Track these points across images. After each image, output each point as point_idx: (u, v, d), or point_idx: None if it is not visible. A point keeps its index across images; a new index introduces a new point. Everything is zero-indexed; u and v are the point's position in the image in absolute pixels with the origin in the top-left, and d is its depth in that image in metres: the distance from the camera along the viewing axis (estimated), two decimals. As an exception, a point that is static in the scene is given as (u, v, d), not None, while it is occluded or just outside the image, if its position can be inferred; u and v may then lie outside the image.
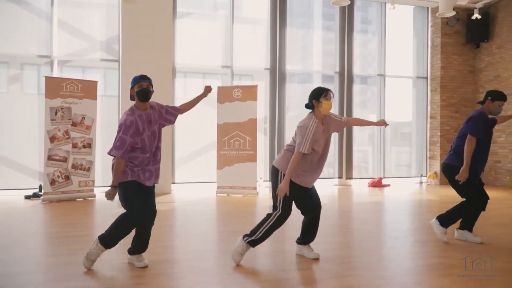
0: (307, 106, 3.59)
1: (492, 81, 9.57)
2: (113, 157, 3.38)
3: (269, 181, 8.80)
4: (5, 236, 4.60)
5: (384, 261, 3.77)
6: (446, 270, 3.43)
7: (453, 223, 4.35)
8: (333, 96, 3.60)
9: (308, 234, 3.73)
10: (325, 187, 9.14)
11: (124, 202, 3.36)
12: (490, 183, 9.53)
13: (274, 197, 3.57)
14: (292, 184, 3.47)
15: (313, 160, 3.54)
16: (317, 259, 3.66)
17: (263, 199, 7.49)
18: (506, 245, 4.27)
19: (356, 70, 9.83)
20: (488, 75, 9.68)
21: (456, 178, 4.14)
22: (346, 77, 9.63)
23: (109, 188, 3.35)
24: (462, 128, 4.27)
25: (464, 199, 4.29)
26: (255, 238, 3.52)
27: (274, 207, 3.55)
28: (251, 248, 3.56)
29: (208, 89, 3.86)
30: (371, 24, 10.47)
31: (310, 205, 3.63)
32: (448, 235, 4.31)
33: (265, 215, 3.59)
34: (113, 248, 3.46)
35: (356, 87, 9.92)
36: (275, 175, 3.59)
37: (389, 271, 3.49)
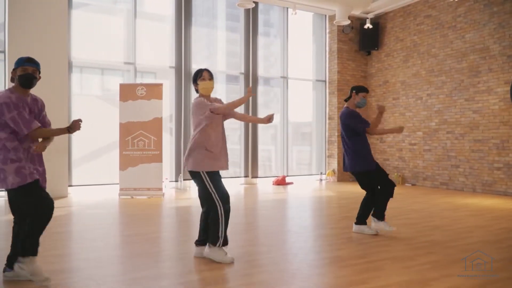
0: (196, 90, 3.73)
1: (381, 86, 10.51)
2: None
3: (176, 181, 8.72)
4: None
5: (289, 256, 3.92)
6: (347, 261, 3.68)
7: (368, 216, 4.72)
8: (211, 75, 3.66)
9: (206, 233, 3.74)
10: (232, 186, 9.25)
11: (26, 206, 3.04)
12: (380, 179, 10.46)
13: (205, 197, 3.62)
14: (211, 174, 3.58)
15: (207, 138, 3.60)
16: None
17: (169, 200, 7.33)
18: (404, 235, 4.70)
19: (260, 71, 10.11)
20: (378, 80, 10.61)
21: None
22: (251, 78, 9.85)
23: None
24: (344, 130, 4.65)
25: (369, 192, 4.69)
26: (222, 240, 3.58)
27: (212, 206, 3.57)
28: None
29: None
30: (274, 28, 10.84)
31: (224, 195, 3.65)
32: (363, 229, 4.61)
33: (212, 219, 3.60)
34: None
35: (260, 88, 10.19)
36: (198, 177, 3.61)
37: (294, 265, 3.64)
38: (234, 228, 5.20)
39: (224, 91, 10.23)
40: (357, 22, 10.64)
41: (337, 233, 4.74)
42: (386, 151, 10.35)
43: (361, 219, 4.72)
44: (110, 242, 4.51)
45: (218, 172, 3.67)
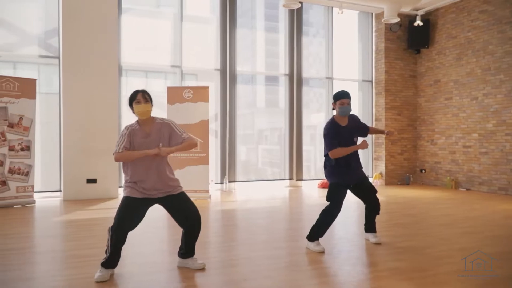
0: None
1: (432, 86, 10.08)
2: None
3: (221, 183, 8.76)
4: None
5: (347, 267, 3.79)
6: (408, 274, 3.50)
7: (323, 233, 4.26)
8: (146, 97, 3.37)
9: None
10: (276, 189, 9.18)
11: None
12: (431, 183, 10.05)
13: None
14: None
15: (136, 165, 3.33)
16: (202, 269, 3.54)
17: (216, 202, 7.36)
18: (457, 247, 4.45)
19: (305, 72, 9.96)
20: (428, 80, 10.19)
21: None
22: (295, 79, 9.73)
23: None
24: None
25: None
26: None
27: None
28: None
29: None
30: (313, 27, 10.65)
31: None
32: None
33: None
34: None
35: (305, 89, 10.04)
36: None
37: (354, 277, 3.51)
38: (281, 234, 5.13)
39: (263, 93, 10.19)
40: (406, 20, 10.26)
41: (390, 242, 4.54)
42: (438, 153, 9.92)
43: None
44: (160, 246, 4.55)
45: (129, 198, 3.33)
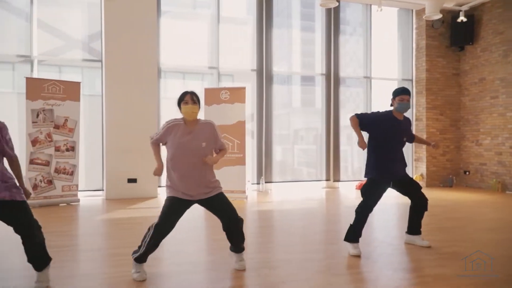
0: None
1: (476, 84, 9.67)
2: None
3: (257, 183, 8.77)
4: (-16, 247, 4.34)
5: (389, 272, 3.69)
6: (453, 281, 3.37)
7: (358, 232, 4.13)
8: (194, 99, 3.42)
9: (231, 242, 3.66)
10: (312, 190, 9.08)
11: None
12: (476, 185, 9.64)
13: None
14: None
15: (178, 163, 3.37)
16: (243, 270, 3.58)
17: (252, 203, 7.37)
18: (501, 253, 4.24)
19: (342, 72, 9.81)
20: (472, 78, 9.78)
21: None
22: (332, 78, 9.60)
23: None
24: None
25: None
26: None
27: None
28: None
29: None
30: (350, 25, 10.46)
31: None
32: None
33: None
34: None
35: (342, 89, 9.89)
36: None
37: (396, 281, 3.41)
38: (318, 236, 5.06)
39: (299, 92, 10.11)
40: (448, 16, 9.89)
41: (434, 246, 4.37)
42: (483, 154, 9.50)
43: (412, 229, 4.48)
44: (200, 246, 4.60)
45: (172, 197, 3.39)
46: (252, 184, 8.89)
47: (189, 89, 3.53)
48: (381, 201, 4.25)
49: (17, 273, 3.53)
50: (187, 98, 3.43)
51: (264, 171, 8.98)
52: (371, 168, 4.17)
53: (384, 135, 4.10)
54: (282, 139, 9.76)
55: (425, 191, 4.59)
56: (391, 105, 4.22)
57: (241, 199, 7.49)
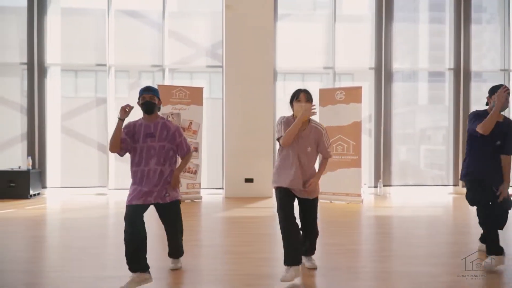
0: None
1: None
2: None
3: (374, 187, 8.41)
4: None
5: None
6: None
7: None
8: (308, 97, 3.45)
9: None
10: (437, 196, 8.38)
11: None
12: None
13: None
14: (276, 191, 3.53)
15: (287, 158, 3.45)
16: (314, 268, 3.64)
17: (368, 207, 7.09)
18: None
19: (475, 65, 8.84)
20: None
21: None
22: (462, 73, 8.72)
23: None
24: None
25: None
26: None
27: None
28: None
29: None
30: (487, 12, 9.32)
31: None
32: None
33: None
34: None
35: (474, 84, 8.92)
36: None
37: None
38: (442, 249, 4.62)
39: (425, 89, 9.38)
40: None
41: None
42: None
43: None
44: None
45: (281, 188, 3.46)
46: (369, 187, 8.55)
47: (302, 87, 3.57)
48: None
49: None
50: (301, 96, 3.46)
51: (382, 174, 8.57)
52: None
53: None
54: (406, 138, 9.17)
55: None
56: (486, 104, 3.82)
57: (356, 203, 7.26)
